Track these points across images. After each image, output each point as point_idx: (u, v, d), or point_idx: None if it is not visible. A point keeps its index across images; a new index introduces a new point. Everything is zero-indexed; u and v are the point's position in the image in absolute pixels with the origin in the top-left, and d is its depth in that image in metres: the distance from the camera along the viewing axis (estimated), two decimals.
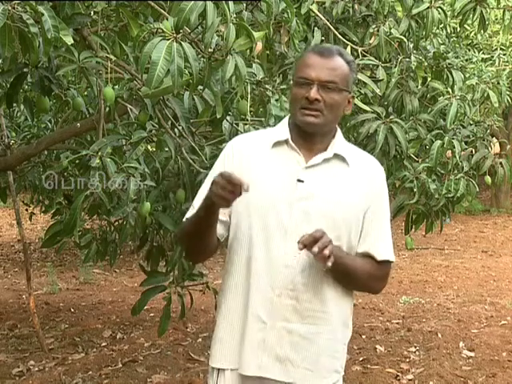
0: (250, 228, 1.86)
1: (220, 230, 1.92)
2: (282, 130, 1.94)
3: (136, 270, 8.34)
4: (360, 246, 1.92)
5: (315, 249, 1.70)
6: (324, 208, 1.85)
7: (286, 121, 1.97)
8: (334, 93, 1.85)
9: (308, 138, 1.90)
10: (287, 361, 1.87)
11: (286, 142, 1.91)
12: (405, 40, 4.08)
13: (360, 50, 4.03)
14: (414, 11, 4.10)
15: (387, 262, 1.94)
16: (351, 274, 1.88)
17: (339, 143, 1.94)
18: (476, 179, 4.33)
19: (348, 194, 1.88)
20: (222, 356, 1.92)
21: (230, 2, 2.42)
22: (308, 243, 1.72)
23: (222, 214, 1.89)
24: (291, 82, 1.97)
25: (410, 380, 4.47)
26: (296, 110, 1.87)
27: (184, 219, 2.00)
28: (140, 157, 3.03)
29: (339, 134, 1.97)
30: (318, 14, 3.99)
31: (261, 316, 1.85)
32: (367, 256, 1.92)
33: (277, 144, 1.91)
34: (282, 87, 3.19)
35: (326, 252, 1.71)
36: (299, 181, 1.86)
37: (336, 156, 1.91)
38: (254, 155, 1.92)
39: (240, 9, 2.74)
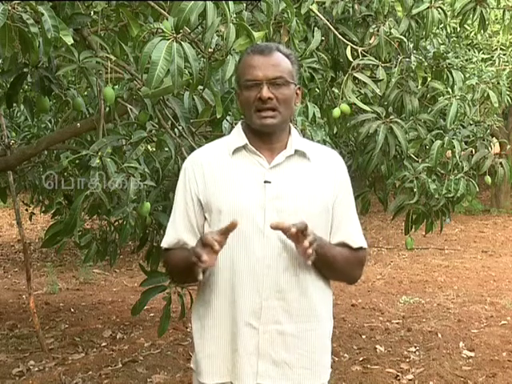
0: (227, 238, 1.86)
1: None
2: (238, 136, 1.94)
3: (136, 269, 8.34)
4: (334, 236, 1.93)
5: (306, 243, 1.73)
6: (295, 205, 1.86)
7: (239, 126, 1.98)
8: (284, 87, 1.87)
9: (266, 139, 1.91)
10: (283, 363, 1.86)
11: (245, 147, 1.92)
12: (405, 40, 4.08)
13: (360, 50, 4.03)
14: (414, 11, 4.10)
15: (362, 249, 1.97)
16: (332, 264, 1.89)
17: (296, 139, 1.96)
18: (476, 179, 4.33)
19: (315, 189, 1.90)
20: (213, 371, 1.90)
21: (229, 2, 2.42)
22: (296, 231, 1.74)
23: (197, 231, 1.93)
24: (237, 88, 1.97)
25: (409, 380, 4.47)
26: (251, 114, 1.88)
27: (164, 243, 1.99)
28: (140, 157, 3.03)
29: (294, 130, 1.99)
30: (318, 14, 3.99)
31: (251, 323, 1.84)
32: (342, 245, 1.94)
33: (236, 151, 1.92)
34: None
35: (310, 251, 1.73)
36: (266, 182, 1.87)
37: (297, 152, 1.92)
38: (216, 166, 1.92)
39: (240, 9, 2.74)
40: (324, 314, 1.94)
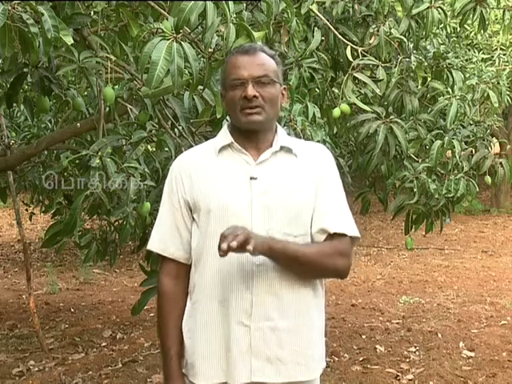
0: (216, 236, 1.82)
1: (185, 253, 1.94)
2: (224, 136, 1.95)
3: (136, 269, 8.34)
4: (313, 224, 1.89)
5: (223, 245, 1.68)
6: (282, 200, 1.86)
7: (225, 128, 1.98)
8: (269, 86, 1.88)
9: (252, 138, 1.91)
10: (277, 360, 1.85)
11: (230, 145, 1.92)
12: (405, 40, 4.08)
13: (360, 50, 4.03)
14: (414, 11, 4.10)
15: (344, 236, 1.89)
16: (298, 258, 1.83)
17: (282, 137, 1.96)
18: (476, 179, 4.33)
19: (300, 182, 1.89)
20: (209, 372, 1.89)
21: (229, 2, 2.43)
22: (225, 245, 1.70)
23: (183, 234, 1.92)
24: (222, 89, 1.96)
25: (409, 380, 4.47)
26: (237, 113, 1.88)
27: (149, 246, 1.99)
28: (140, 157, 3.03)
29: (280, 128, 1.99)
30: (318, 14, 3.99)
31: (243, 321, 1.84)
32: (322, 232, 1.88)
33: (222, 149, 1.92)
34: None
35: (233, 244, 1.68)
36: (252, 178, 1.87)
37: (282, 148, 1.93)
38: (202, 166, 1.92)
39: (240, 9, 2.74)
40: (314, 306, 1.93)
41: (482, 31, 4.54)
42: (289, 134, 2.11)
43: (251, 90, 1.84)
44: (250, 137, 1.91)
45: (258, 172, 1.88)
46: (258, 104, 1.86)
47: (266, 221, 1.84)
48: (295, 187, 1.87)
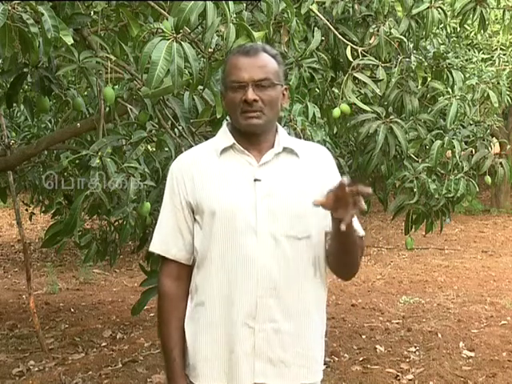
0: (220, 238, 1.85)
1: (187, 254, 1.93)
2: (225, 137, 1.93)
3: (136, 269, 8.34)
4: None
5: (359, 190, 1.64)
6: (286, 203, 1.85)
7: (225, 128, 1.97)
8: (270, 89, 1.86)
9: (253, 140, 1.90)
10: (279, 362, 1.85)
11: (232, 146, 1.91)
12: (405, 40, 4.08)
13: (360, 50, 4.03)
14: (414, 11, 4.11)
15: (362, 239, 1.93)
16: (354, 242, 1.83)
17: (284, 137, 1.95)
18: (476, 179, 4.34)
19: (305, 184, 1.89)
20: (208, 374, 1.88)
21: (229, 2, 2.43)
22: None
23: (185, 234, 1.91)
24: (223, 88, 1.95)
25: (409, 380, 4.47)
26: (237, 116, 1.87)
27: (151, 247, 1.98)
28: (140, 157, 3.03)
29: (281, 129, 1.98)
30: (318, 14, 3.99)
31: (247, 322, 1.84)
32: None
33: (224, 151, 1.91)
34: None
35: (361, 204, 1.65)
36: (256, 180, 1.86)
37: (285, 149, 1.92)
38: (204, 167, 1.91)
39: (240, 9, 2.74)
40: (318, 310, 1.93)
41: (482, 31, 4.55)
42: (289, 134, 2.10)
43: (251, 94, 1.83)
44: (251, 138, 1.90)
45: (262, 174, 1.87)
46: (258, 108, 1.84)
47: (271, 223, 1.84)
48: (299, 189, 1.87)
